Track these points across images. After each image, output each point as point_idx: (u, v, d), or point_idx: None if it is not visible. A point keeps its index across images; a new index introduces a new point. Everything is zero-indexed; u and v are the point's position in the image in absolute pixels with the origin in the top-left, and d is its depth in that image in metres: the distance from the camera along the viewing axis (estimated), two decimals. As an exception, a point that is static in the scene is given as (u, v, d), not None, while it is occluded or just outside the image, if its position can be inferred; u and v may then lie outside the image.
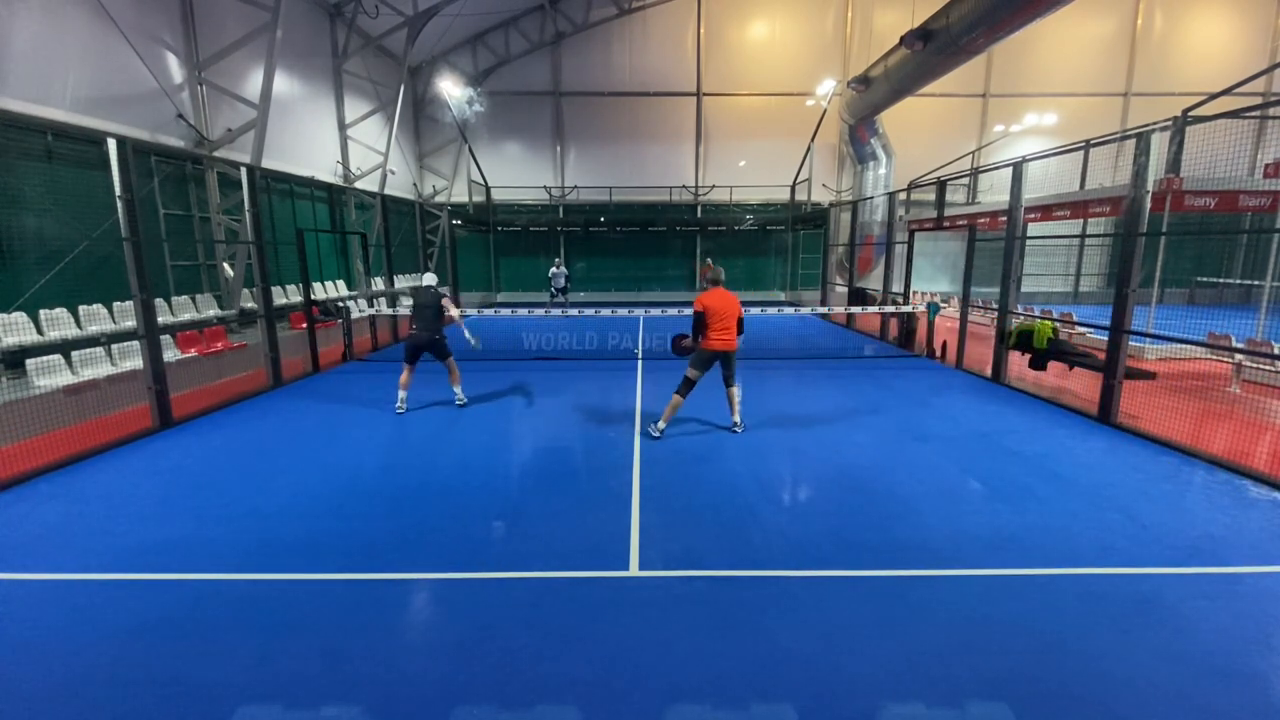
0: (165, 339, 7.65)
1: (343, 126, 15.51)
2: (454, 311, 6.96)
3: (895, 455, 5.61)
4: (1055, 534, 4.03)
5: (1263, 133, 16.29)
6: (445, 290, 6.79)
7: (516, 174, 21.66)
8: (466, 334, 7.00)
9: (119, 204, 5.97)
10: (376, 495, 4.74)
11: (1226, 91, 10.43)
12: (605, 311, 12.50)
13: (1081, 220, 12.48)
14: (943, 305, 11.90)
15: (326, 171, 14.79)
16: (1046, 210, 12.38)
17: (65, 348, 7.24)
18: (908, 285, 11.19)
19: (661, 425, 6.09)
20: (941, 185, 11.89)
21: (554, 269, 17.05)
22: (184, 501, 4.65)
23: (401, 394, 7.09)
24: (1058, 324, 8.19)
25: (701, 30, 20.82)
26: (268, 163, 11.33)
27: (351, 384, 8.79)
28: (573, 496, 4.72)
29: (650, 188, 21.88)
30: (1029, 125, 19.69)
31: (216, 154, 10.51)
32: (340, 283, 15.04)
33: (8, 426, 5.56)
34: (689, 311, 14.10)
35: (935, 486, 4.85)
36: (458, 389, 7.34)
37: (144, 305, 6.21)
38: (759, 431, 6.34)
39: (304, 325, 9.64)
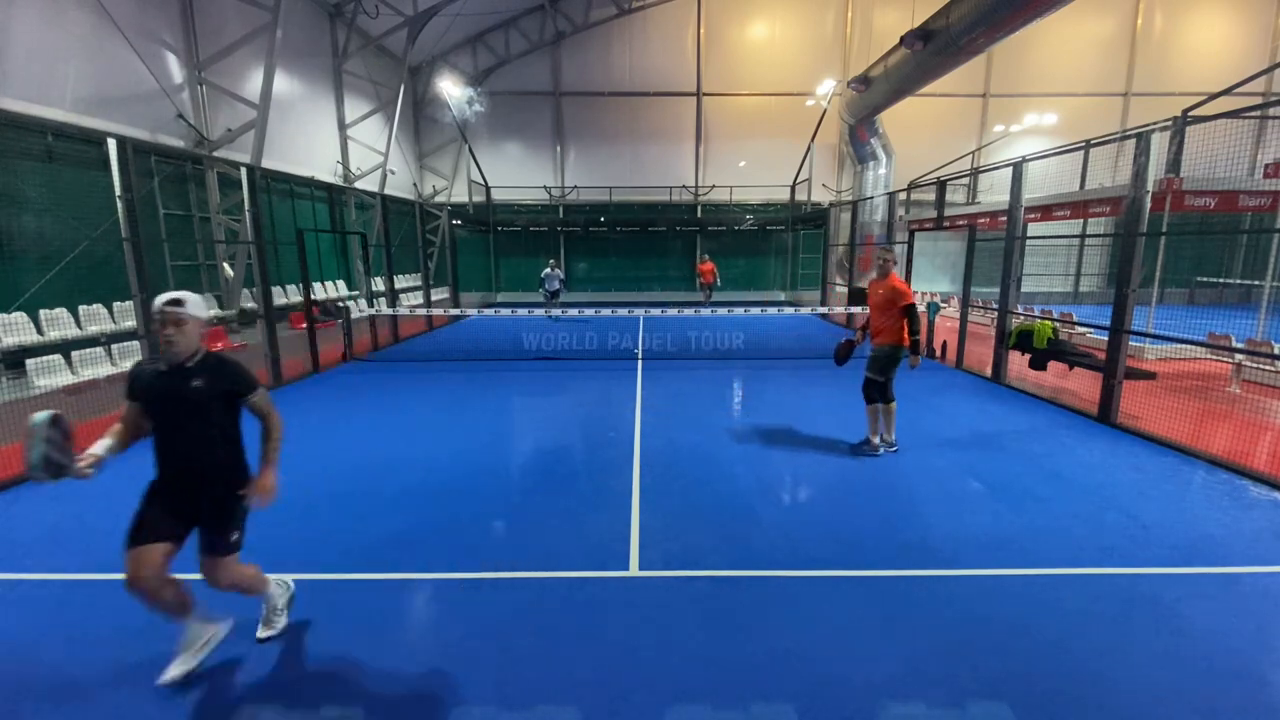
0: (165, 339, 7.64)
1: (343, 126, 15.52)
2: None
3: (895, 455, 5.60)
4: (1055, 534, 4.03)
5: (1263, 133, 16.30)
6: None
7: (516, 174, 21.66)
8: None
9: (119, 204, 5.97)
10: (376, 495, 4.74)
11: (1226, 91, 10.43)
12: (605, 311, 12.50)
13: (1081, 220, 12.49)
14: (943, 305, 11.90)
15: (326, 171, 14.79)
16: (1046, 210, 12.38)
17: (65, 348, 7.25)
18: (908, 285, 11.18)
19: (891, 437, 5.63)
20: (941, 185, 11.88)
21: (547, 270, 14.82)
22: (184, 501, 4.65)
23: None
24: (1057, 324, 8.19)
25: (701, 30, 20.82)
26: (268, 163, 11.33)
27: (351, 384, 8.80)
28: (573, 496, 4.72)
29: (650, 188, 21.88)
30: (1029, 125, 19.69)
31: (216, 154, 10.51)
32: (340, 283, 15.04)
33: (8, 426, 5.56)
34: (689, 312, 14.30)
35: (935, 486, 4.85)
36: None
37: (144, 305, 6.21)
38: (759, 431, 6.34)
39: (304, 325, 9.64)
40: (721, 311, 12.89)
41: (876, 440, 5.60)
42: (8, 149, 7.48)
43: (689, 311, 13.66)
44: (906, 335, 5.28)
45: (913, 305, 5.22)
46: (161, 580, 2.50)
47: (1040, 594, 3.33)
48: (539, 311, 11.56)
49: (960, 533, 4.04)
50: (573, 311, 12.28)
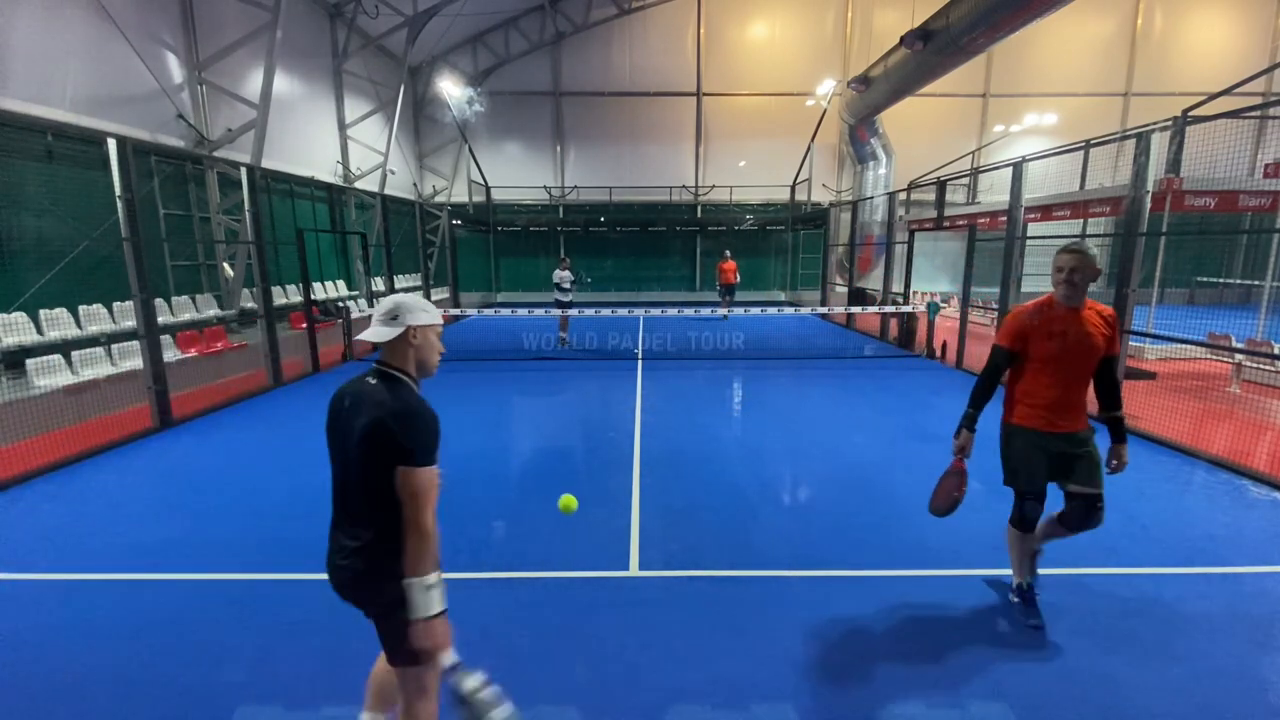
0: (165, 339, 7.65)
1: (343, 126, 15.51)
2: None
3: (895, 455, 5.60)
4: (1055, 534, 4.02)
5: (1263, 133, 16.29)
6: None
7: (516, 174, 21.65)
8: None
9: (119, 204, 5.97)
10: (376, 495, 4.73)
11: (1226, 91, 10.41)
12: (605, 311, 12.49)
13: (1081, 220, 12.47)
14: (943, 305, 11.90)
15: (326, 171, 14.78)
16: (1046, 210, 12.37)
17: (65, 348, 7.24)
18: (908, 285, 11.19)
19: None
20: (941, 185, 11.89)
21: (559, 270, 11.75)
22: (184, 501, 4.65)
23: None
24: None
25: (701, 30, 20.81)
26: (268, 163, 11.33)
27: (351, 384, 8.79)
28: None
29: (650, 188, 21.87)
30: (1029, 125, 19.67)
31: (216, 154, 10.50)
32: (340, 283, 15.04)
33: (8, 426, 5.56)
34: (689, 311, 14.28)
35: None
36: None
37: (144, 305, 6.21)
38: (758, 431, 6.34)
39: (304, 325, 9.64)
40: (721, 312, 12.88)
41: (1028, 580, 3.20)
42: (8, 149, 7.47)
43: (689, 312, 13.67)
44: (1094, 403, 3.03)
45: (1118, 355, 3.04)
46: None
47: (1040, 594, 3.33)
48: (539, 311, 11.50)
49: (960, 533, 4.04)
50: (571, 312, 11.98)
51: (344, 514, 1.88)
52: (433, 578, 1.77)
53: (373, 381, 1.84)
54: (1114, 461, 2.94)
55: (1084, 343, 2.91)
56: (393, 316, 1.84)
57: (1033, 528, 3.10)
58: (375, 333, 1.83)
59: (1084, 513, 2.97)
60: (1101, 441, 2.96)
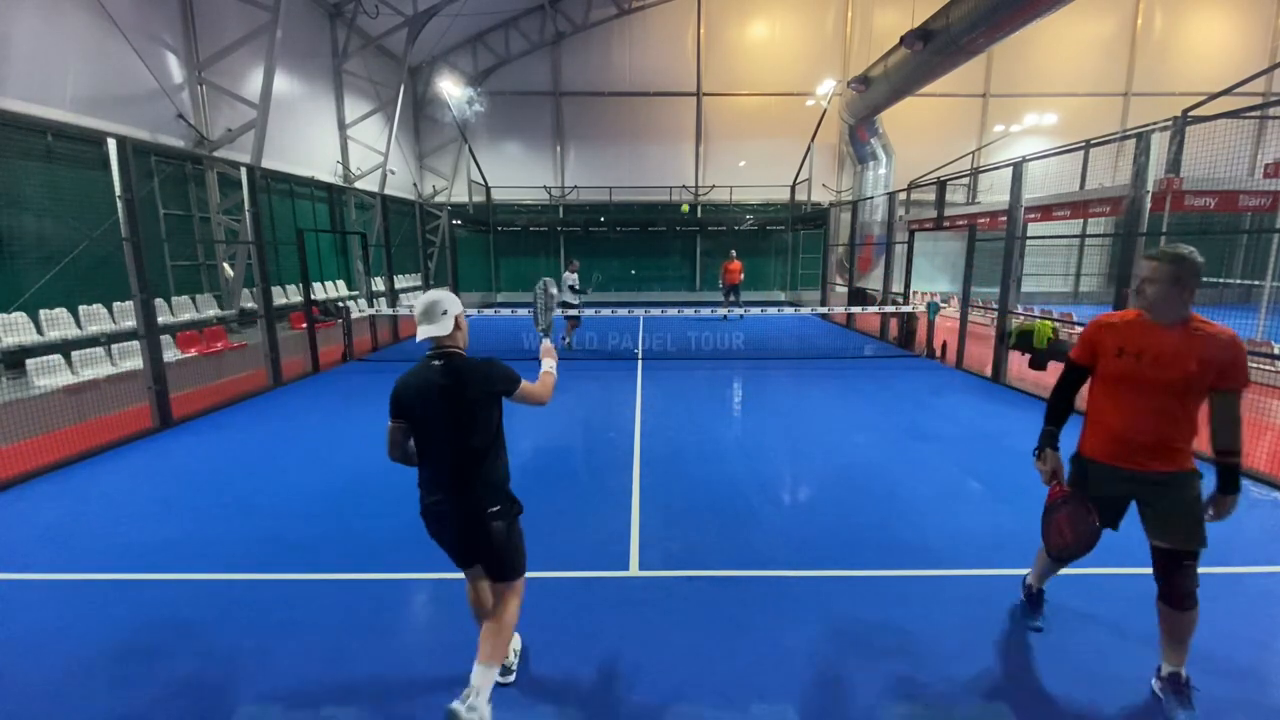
0: (165, 339, 7.66)
1: (343, 126, 15.51)
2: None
3: (895, 455, 5.60)
4: (1055, 534, 4.02)
5: (1263, 133, 16.29)
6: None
7: (516, 174, 21.65)
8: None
9: (119, 204, 5.97)
10: (376, 495, 4.74)
11: (1226, 91, 10.42)
12: (605, 311, 12.49)
13: (1081, 220, 12.48)
14: (943, 305, 11.90)
15: (326, 171, 14.78)
16: (1046, 210, 12.37)
17: (65, 348, 7.24)
18: (908, 285, 11.19)
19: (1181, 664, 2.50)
20: (941, 185, 11.89)
21: (567, 273, 11.32)
22: (184, 501, 4.65)
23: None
24: (1058, 324, 8.19)
25: (701, 30, 20.82)
26: (268, 163, 11.33)
27: (351, 384, 8.80)
28: (573, 496, 4.73)
29: (650, 188, 21.87)
30: (1029, 125, 19.68)
31: (216, 154, 10.50)
32: (340, 283, 15.04)
33: (8, 426, 5.56)
34: (689, 311, 14.27)
35: (935, 486, 4.85)
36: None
37: (144, 305, 6.21)
38: (758, 430, 6.33)
39: (304, 325, 9.64)
40: (722, 313, 12.86)
41: (1039, 586, 3.09)
42: (8, 149, 7.47)
43: (689, 312, 13.63)
44: (1208, 444, 2.50)
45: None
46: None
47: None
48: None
49: (960, 532, 4.04)
50: (577, 310, 11.72)
51: (448, 476, 2.43)
52: (551, 368, 2.81)
53: (439, 364, 2.37)
54: (1210, 510, 2.38)
55: (1166, 367, 2.33)
56: (442, 311, 2.37)
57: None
58: (435, 329, 2.36)
59: (1164, 570, 2.40)
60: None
